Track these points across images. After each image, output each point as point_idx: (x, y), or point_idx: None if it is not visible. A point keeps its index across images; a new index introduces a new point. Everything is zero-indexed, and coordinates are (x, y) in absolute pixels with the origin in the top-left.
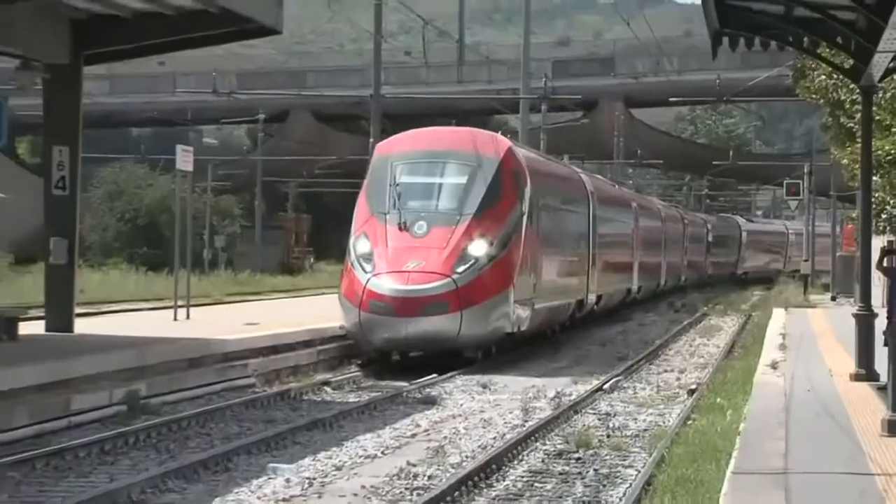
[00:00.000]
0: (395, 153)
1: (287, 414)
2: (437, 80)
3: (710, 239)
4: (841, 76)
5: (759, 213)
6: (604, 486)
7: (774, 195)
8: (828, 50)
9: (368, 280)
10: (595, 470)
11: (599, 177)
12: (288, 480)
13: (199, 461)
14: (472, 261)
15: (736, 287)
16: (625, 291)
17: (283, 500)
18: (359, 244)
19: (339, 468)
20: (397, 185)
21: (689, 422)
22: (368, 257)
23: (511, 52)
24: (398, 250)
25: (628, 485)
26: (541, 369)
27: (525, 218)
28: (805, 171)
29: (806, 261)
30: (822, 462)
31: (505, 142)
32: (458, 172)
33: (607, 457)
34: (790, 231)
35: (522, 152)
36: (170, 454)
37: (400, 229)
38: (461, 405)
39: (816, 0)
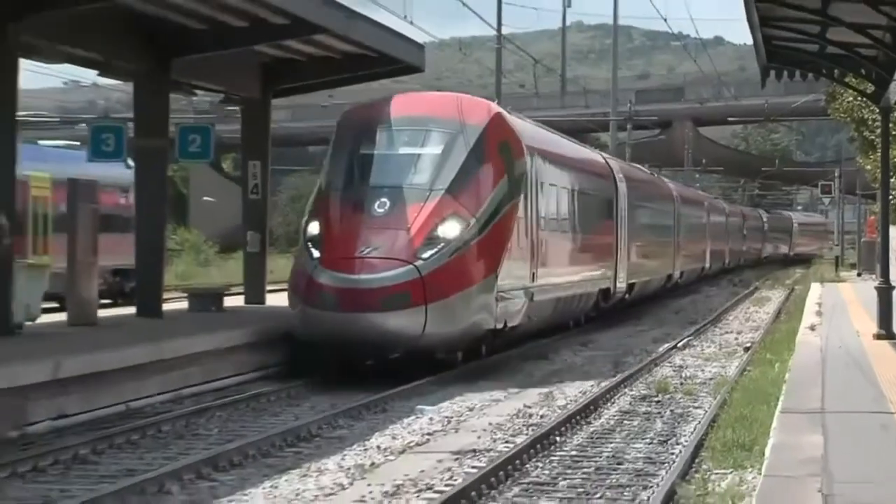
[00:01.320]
0: (361, 120)
1: (430, 368)
2: (544, 106)
3: (744, 230)
4: (864, 99)
5: (800, 207)
6: (678, 423)
7: (812, 194)
8: (853, 79)
9: (314, 268)
10: (671, 410)
11: (637, 166)
12: (431, 419)
13: (363, 404)
14: (442, 244)
15: (780, 266)
16: (665, 278)
17: (428, 434)
18: (309, 226)
19: (471, 409)
20: (359, 156)
21: (745, 372)
22: (318, 241)
23: (602, 84)
24: (352, 233)
25: (697, 422)
26: (628, 331)
27: (521, 196)
28: (836, 174)
29: (837, 245)
30: (851, 403)
31: (493, 108)
32: (432, 141)
33: (681, 400)
34: (794, 221)
35: (519, 122)
36: (341, 399)
37: (357, 208)
38: (566, 360)
39: (844, 40)
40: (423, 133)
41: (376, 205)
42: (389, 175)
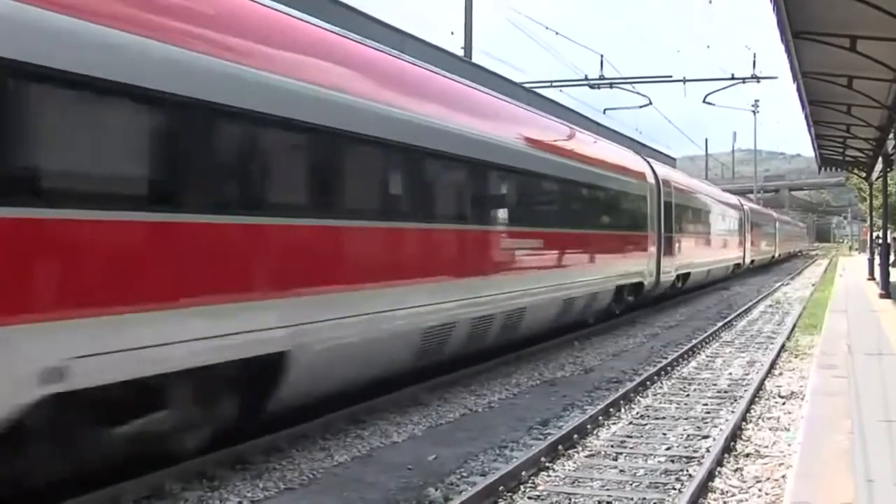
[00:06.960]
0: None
1: (669, 297)
2: (723, 183)
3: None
4: (861, 177)
5: (834, 224)
6: (785, 316)
7: (839, 219)
8: (857, 168)
9: None
10: (783, 311)
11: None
12: (680, 314)
13: (651, 310)
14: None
15: (825, 249)
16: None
17: (677, 322)
18: None
19: (697, 311)
20: None
21: (813, 295)
22: None
23: (751, 173)
24: None
25: (793, 316)
26: (758, 278)
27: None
28: (849, 211)
29: (849, 240)
30: (857, 306)
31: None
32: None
33: (786, 307)
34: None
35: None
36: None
37: None
38: (735, 290)
39: (854, 154)
40: None
41: None
42: None
